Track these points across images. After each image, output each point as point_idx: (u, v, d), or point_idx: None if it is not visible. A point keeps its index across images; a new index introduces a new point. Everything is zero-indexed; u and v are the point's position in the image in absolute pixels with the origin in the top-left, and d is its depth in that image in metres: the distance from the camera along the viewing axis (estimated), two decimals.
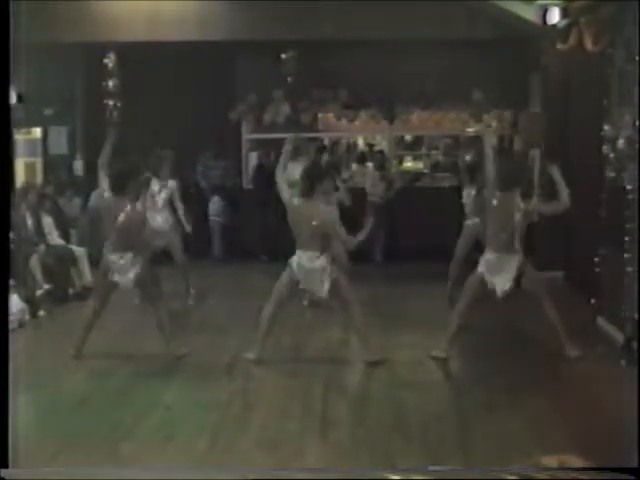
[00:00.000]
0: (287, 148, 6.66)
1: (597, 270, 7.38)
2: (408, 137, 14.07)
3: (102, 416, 5.32)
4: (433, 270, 9.46)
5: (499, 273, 6.28)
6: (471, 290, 6.48)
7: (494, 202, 6.31)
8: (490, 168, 6.38)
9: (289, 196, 6.43)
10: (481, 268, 6.36)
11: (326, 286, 6.29)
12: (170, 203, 8.65)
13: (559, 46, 8.73)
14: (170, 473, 4.42)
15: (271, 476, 4.41)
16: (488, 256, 6.35)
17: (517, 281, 6.31)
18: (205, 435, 4.93)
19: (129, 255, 6.41)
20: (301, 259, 6.32)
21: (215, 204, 12.10)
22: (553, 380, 6.00)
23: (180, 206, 8.75)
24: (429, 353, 6.52)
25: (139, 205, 6.55)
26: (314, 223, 6.22)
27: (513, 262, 6.27)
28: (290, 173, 10.73)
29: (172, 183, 8.60)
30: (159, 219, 8.40)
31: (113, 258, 6.44)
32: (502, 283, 6.27)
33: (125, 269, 6.43)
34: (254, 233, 11.67)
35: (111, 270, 6.47)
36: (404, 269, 10.63)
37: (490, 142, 6.96)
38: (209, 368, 6.36)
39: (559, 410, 5.31)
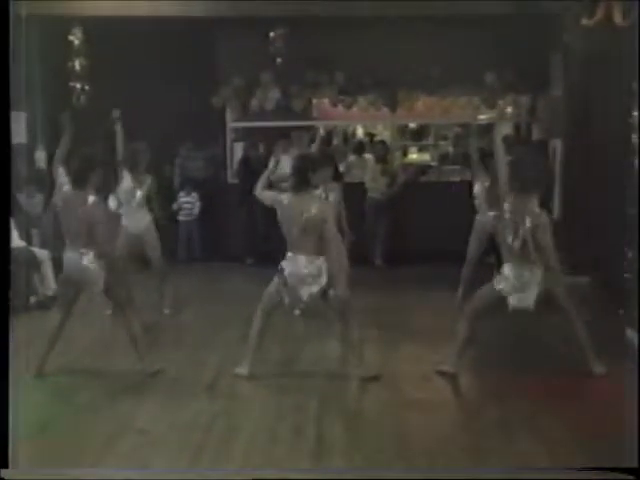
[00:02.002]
0: (272, 165, 6.66)
1: (626, 275, 7.36)
2: (413, 126, 14.08)
3: (66, 441, 5.26)
4: (440, 275, 9.45)
5: (520, 291, 6.17)
6: (483, 303, 6.43)
7: (506, 205, 6.17)
8: (501, 163, 6.31)
9: (277, 196, 6.39)
10: (499, 285, 6.26)
11: (318, 291, 6.25)
12: (147, 201, 8.63)
13: (584, 21, 8.68)
14: (169, 473, 4.65)
15: (266, 476, 4.52)
16: (506, 271, 6.23)
17: (542, 296, 6.20)
18: (183, 461, 4.88)
19: (91, 254, 6.35)
20: (293, 263, 6.27)
21: (194, 200, 12.08)
22: (575, 399, 5.95)
23: (156, 205, 8.75)
24: (435, 368, 6.49)
25: (103, 199, 6.50)
26: (305, 216, 6.17)
27: (535, 277, 6.14)
28: (281, 167, 10.79)
29: (148, 179, 8.58)
30: (135, 218, 8.38)
31: (74, 258, 6.37)
32: (525, 300, 6.17)
33: (90, 271, 6.36)
34: (239, 233, 11.64)
35: (73, 273, 6.40)
36: (407, 274, 10.61)
37: (501, 132, 6.85)
38: (187, 385, 6.31)
39: (581, 431, 5.28)
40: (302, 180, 6.30)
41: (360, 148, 12.83)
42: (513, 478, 4.49)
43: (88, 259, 6.34)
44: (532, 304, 6.17)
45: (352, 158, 12.64)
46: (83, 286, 6.46)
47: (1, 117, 4.31)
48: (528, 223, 6.04)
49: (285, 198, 6.32)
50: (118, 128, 8.36)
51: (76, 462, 4.87)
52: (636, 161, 7.29)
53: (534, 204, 6.12)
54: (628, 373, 6.28)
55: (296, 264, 6.25)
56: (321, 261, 6.24)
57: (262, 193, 6.54)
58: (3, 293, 4.63)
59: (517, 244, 6.10)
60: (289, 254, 6.32)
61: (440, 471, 4.71)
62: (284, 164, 10.71)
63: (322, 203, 6.45)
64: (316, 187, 6.56)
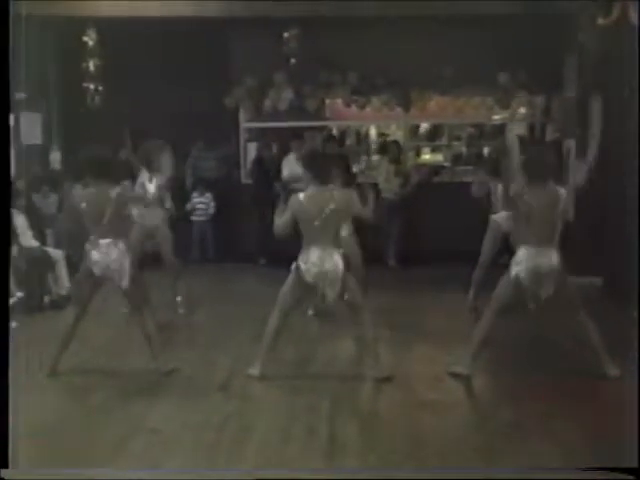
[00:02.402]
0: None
1: None
2: (426, 126, 14.05)
3: (79, 440, 5.28)
4: (454, 276, 9.42)
5: (537, 273, 6.15)
6: (503, 295, 6.35)
7: (527, 196, 6.16)
8: (515, 159, 6.31)
9: (292, 204, 6.30)
10: (515, 268, 6.25)
11: (336, 288, 6.23)
12: (161, 199, 8.64)
13: (600, 21, 8.66)
14: (171, 473, 4.65)
15: (278, 476, 4.55)
16: (523, 253, 6.20)
17: (556, 284, 6.20)
18: (196, 461, 4.89)
19: (120, 245, 6.38)
20: (309, 258, 6.23)
21: (208, 200, 12.11)
22: (589, 401, 5.94)
23: (169, 203, 8.78)
24: (448, 369, 6.49)
25: (123, 191, 6.52)
26: (329, 209, 6.14)
27: (553, 259, 6.16)
28: (293, 168, 10.82)
29: (163, 176, 8.58)
30: (149, 214, 8.40)
31: (100, 251, 6.40)
32: (544, 287, 6.18)
33: (116, 261, 6.38)
34: (252, 233, 11.65)
35: (99, 266, 6.43)
36: (421, 275, 10.59)
37: (513, 129, 6.84)
38: (200, 385, 6.33)
39: (595, 435, 5.26)
40: (318, 173, 6.29)
41: (383, 149, 12.81)
42: (513, 478, 4.48)
43: (117, 252, 6.38)
44: (551, 291, 6.15)
45: (375, 158, 12.63)
46: (108, 281, 6.49)
47: (1, 117, 4.29)
48: (558, 211, 6.08)
49: (302, 196, 6.28)
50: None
51: (89, 462, 4.89)
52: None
53: (556, 189, 6.17)
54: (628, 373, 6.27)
55: (314, 259, 6.21)
56: (338, 256, 6.25)
57: (278, 225, 6.39)
58: (3, 293, 4.60)
59: (542, 235, 6.10)
60: (306, 250, 6.26)
61: (453, 471, 4.71)
62: (295, 164, 10.78)
63: (343, 193, 6.37)
64: (333, 180, 6.50)
